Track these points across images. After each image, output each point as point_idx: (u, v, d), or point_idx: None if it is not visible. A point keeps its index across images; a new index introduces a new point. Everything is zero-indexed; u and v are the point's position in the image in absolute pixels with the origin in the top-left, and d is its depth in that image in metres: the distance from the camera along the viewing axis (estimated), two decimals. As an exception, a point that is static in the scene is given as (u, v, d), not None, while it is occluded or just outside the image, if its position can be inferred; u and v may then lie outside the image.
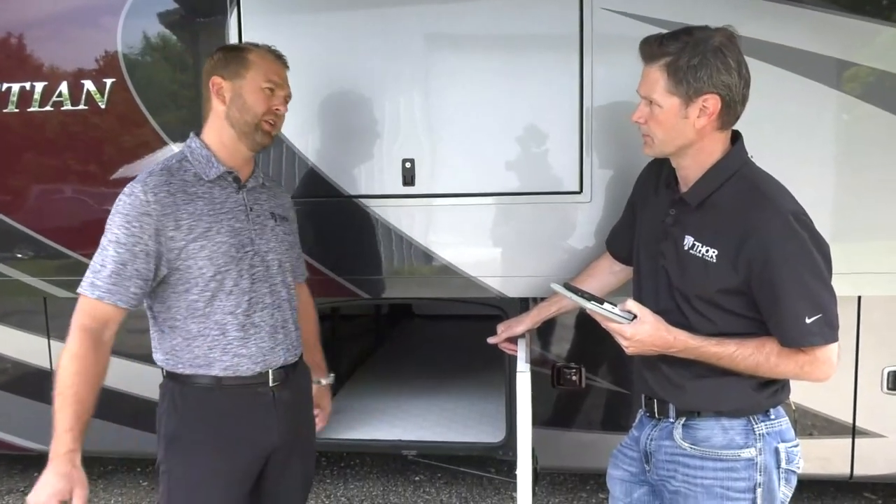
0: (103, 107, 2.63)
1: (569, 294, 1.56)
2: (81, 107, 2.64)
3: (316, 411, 2.10)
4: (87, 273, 1.62)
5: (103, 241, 1.62)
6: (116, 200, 1.64)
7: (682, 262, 1.57)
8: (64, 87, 2.64)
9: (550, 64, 2.40)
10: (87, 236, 2.68)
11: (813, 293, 1.45)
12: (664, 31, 1.54)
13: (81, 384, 1.53)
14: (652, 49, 1.52)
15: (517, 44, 2.42)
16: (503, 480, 3.35)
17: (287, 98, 1.81)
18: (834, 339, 1.48)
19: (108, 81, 2.61)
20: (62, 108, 2.65)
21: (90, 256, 1.63)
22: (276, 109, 1.76)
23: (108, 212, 1.64)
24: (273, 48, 1.81)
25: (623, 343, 1.54)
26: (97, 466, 3.64)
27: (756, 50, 2.22)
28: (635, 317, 1.52)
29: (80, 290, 1.61)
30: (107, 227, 1.63)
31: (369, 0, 2.46)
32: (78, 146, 2.69)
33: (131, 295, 1.61)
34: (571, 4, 2.35)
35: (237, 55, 1.75)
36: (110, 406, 2.95)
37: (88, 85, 2.63)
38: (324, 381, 2.15)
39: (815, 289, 1.45)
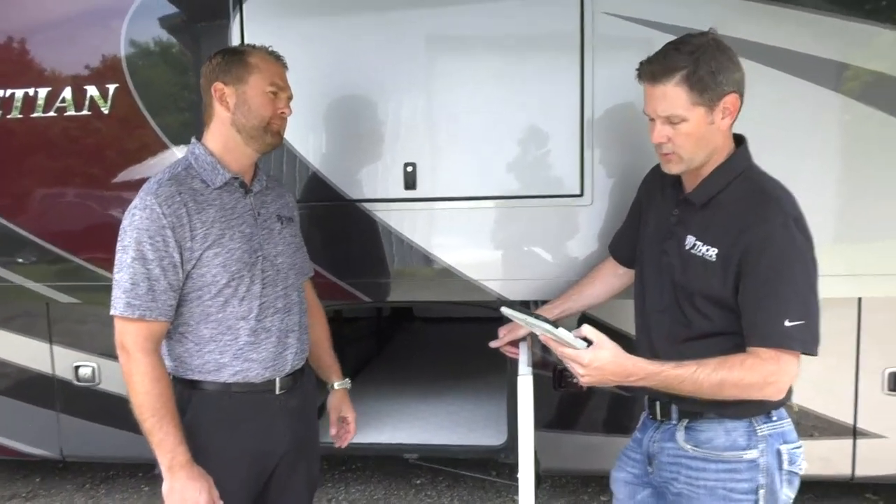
0: (106, 112, 2.64)
1: (520, 317, 1.50)
2: (85, 112, 2.65)
3: (336, 418, 2.06)
4: (118, 293, 1.59)
5: (124, 258, 1.59)
6: (129, 214, 1.61)
7: (683, 260, 1.58)
8: (67, 93, 2.65)
9: (551, 67, 2.41)
10: (90, 241, 2.69)
11: (801, 298, 1.44)
12: (666, 35, 1.55)
13: (169, 400, 1.60)
14: (661, 67, 1.50)
15: (518, 47, 2.43)
16: (504, 483, 3.35)
17: (290, 99, 1.78)
18: (812, 350, 1.44)
19: (112, 87, 2.62)
20: (65, 114, 2.66)
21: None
22: (282, 113, 1.74)
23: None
24: (272, 49, 1.78)
25: (579, 371, 1.45)
26: (100, 472, 3.64)
27: (756, 52, 2.24)
28: (590, 343, 1.44)
29: (115, 311, 1.59)
30: (125, 243, 1.59)
31: (371, 4, 2.47)
32: (82, 152, 2.69)
33: (169, 308, 1.62)
34: (572, 8, 2.35)
35: (238, 59, 1.70)
36: (115, 412, 2.97)
37: (91, 90, 2.63)
38: (337, 385, 2.07)
39: (805, 295, 1.45)
